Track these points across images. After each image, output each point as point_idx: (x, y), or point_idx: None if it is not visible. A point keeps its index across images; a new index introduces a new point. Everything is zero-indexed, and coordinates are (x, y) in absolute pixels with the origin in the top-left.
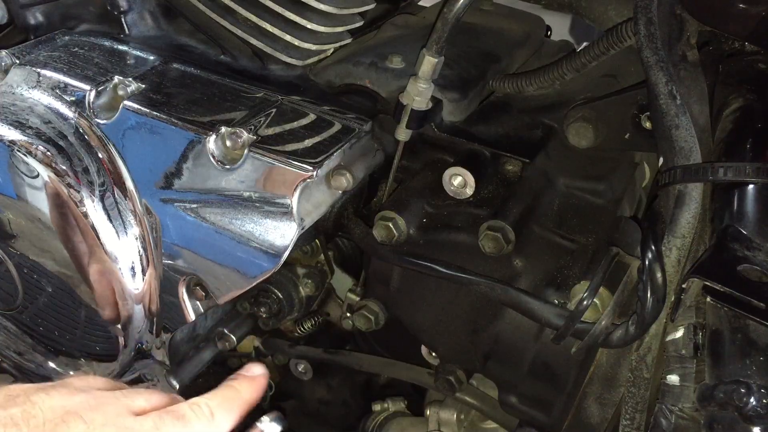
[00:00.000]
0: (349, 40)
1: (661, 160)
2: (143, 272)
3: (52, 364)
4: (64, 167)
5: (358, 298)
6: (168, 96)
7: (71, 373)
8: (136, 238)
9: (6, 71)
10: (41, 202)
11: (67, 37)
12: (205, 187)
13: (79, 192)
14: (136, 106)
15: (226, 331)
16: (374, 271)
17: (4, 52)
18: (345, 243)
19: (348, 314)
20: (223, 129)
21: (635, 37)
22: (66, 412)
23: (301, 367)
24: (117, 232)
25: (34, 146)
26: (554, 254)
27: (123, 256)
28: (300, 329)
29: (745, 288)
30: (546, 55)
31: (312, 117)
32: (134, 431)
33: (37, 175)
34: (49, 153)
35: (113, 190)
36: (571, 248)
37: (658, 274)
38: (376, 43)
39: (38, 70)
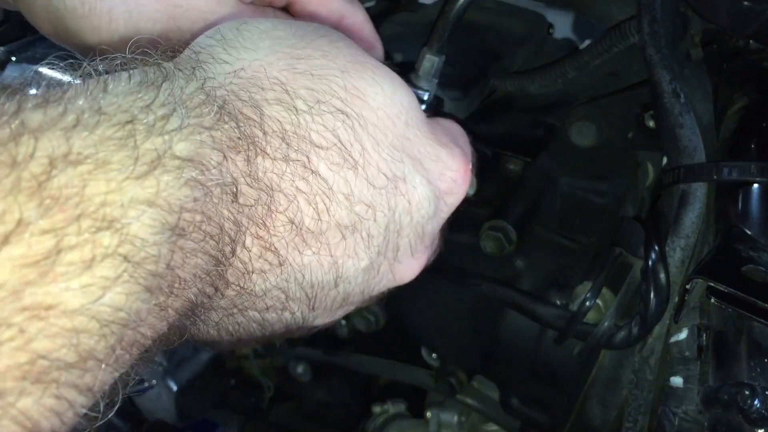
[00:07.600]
0: None
1: (664, 159)
2: None
3: None
4: None
5: None
6: None
7: None
8: None
9: (2, 68)
10: None
11: None
12: None
13: None
14: None
15: None
16: None
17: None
18: None
19: (343, 322)
20: None
21: (638, 34)
22: None
23: (300, 369)
24: None
25: None
26: (556, 254)
27: None
28: None
29: (750, 289)
30: (548, 54)
31: None
32: None
33: None
34: None
35: None
36: (573, 248)
37: (662, 275)
38: None
39: (35, 67)
